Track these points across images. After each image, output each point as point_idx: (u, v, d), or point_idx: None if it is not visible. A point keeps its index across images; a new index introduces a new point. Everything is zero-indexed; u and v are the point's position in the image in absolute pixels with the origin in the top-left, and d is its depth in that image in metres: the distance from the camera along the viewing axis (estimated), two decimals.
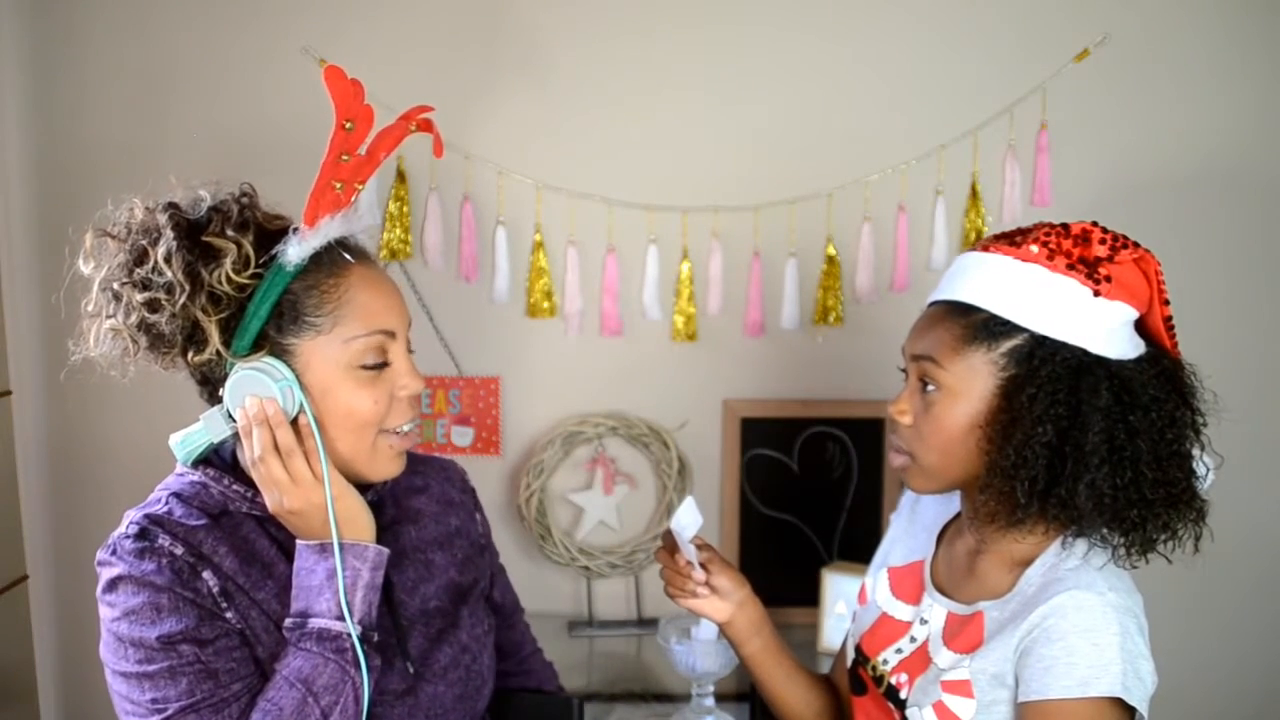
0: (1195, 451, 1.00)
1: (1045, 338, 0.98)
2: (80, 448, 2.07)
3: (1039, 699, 0.94)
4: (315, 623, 0.97)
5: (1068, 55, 1.95)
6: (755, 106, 1.99)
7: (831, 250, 2.02)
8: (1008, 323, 0.99)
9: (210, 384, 1.01)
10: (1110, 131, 1.99)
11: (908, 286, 2.01)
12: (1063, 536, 1.01)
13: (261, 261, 0.97)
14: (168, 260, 0.94)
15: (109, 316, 0.98)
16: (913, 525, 1.21)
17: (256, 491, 1.01)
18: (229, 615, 0.97)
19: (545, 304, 2.02)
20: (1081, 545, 0.99)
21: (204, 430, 1.00)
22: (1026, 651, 0.96)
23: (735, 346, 2.07)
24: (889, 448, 1.11)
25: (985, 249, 1.04)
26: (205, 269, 0.95)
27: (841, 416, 2.08)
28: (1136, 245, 1.00)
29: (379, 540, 1.03)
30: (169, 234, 0.95)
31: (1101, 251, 0.99)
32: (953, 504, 1.16)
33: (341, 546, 0.98)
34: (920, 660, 1.07)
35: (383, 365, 1.01)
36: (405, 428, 1.04)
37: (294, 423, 0.98)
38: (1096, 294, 0.97)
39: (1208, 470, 1.02)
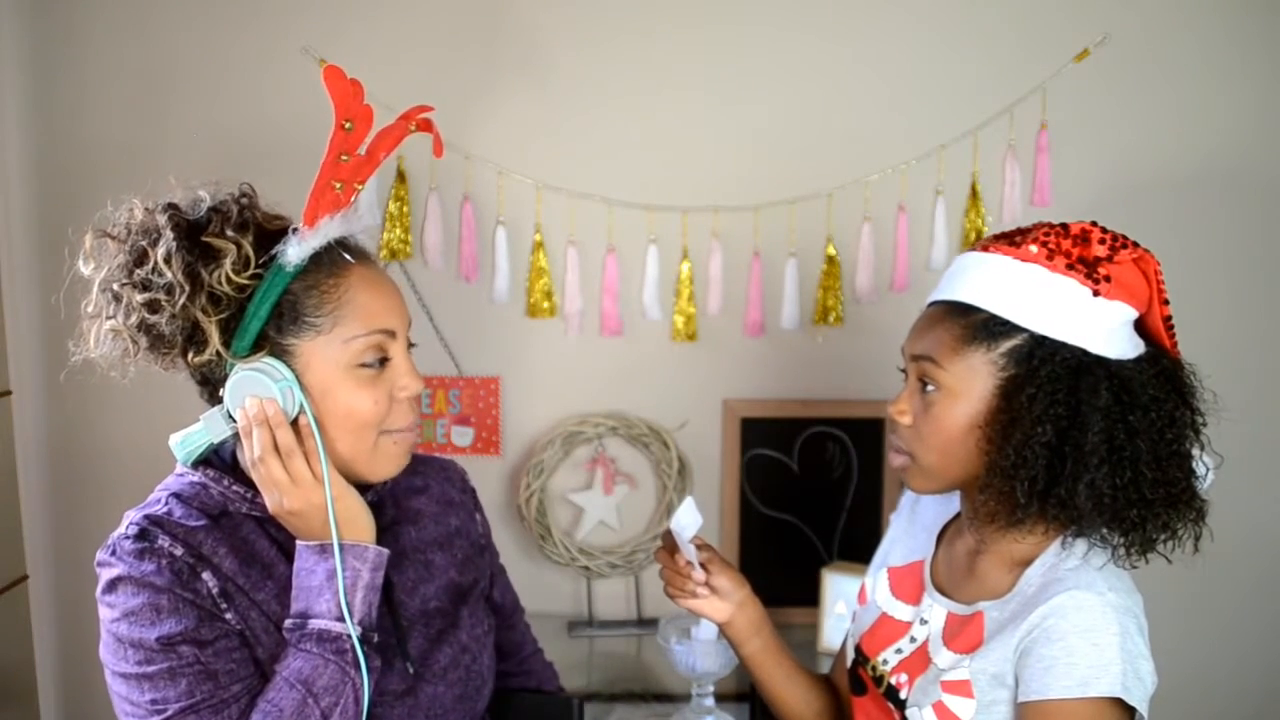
0: (1195, 451, 1.00)
1: (1045, 338, 0.98)
2: (80, 448, 2.07)
3: (1039, 699, 0.94)
4: (315, 623, 0.97)
5: (1068, 55, 1.95)
6: (755, 106, 1.99)
7: (831, 250, 2.02)
8: (1007, 323, 0.99)
9: (210, 384, 1.01)
10: (1110, 131, 1.99)
11: (908, 286, 2.01)
12: (1062, 536, 1.01)
13: (261, 262, 0.96)
14: (167, 261, 0.94)
15: (109, 317, 0.98)
16: (913, 525, 1.21)
17: (256, 492, 1.01)
18: (229, 616, 0.97)
19: (545, 304, 2.02)
20: (1081, 545, 0.99)
21: (204, 431, 1.00)
22: (1026, 651, 0.96)
23: (735, 346, 2.07)
24: (889, 448, 1.11)
25: (985, 249, 1.04)
26: (205, 269, 0.95)
27: (841, 416, 2.08)
28: (1136, 245, 1.00)
29: (379, 541, 1.03)
30: (169, 235, 0.95)
31: (1101, 251, 0.99)
32: (952, 504, 1.16)
33: (341, 547, 0.98)
34: (920, 660, 1.07)
35: (383, 365, 1.01)
36: (405, 428, 1.04)
37: (294, 423, 0.98)
38: (1096, 294, 0.97)
39: (1207, 470, 1.02)
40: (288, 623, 0.98)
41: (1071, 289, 0.98)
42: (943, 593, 1.10)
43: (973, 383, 1.00)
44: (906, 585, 1.15)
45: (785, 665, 1.24)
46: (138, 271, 0.96)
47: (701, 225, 2.01)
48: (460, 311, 2.05)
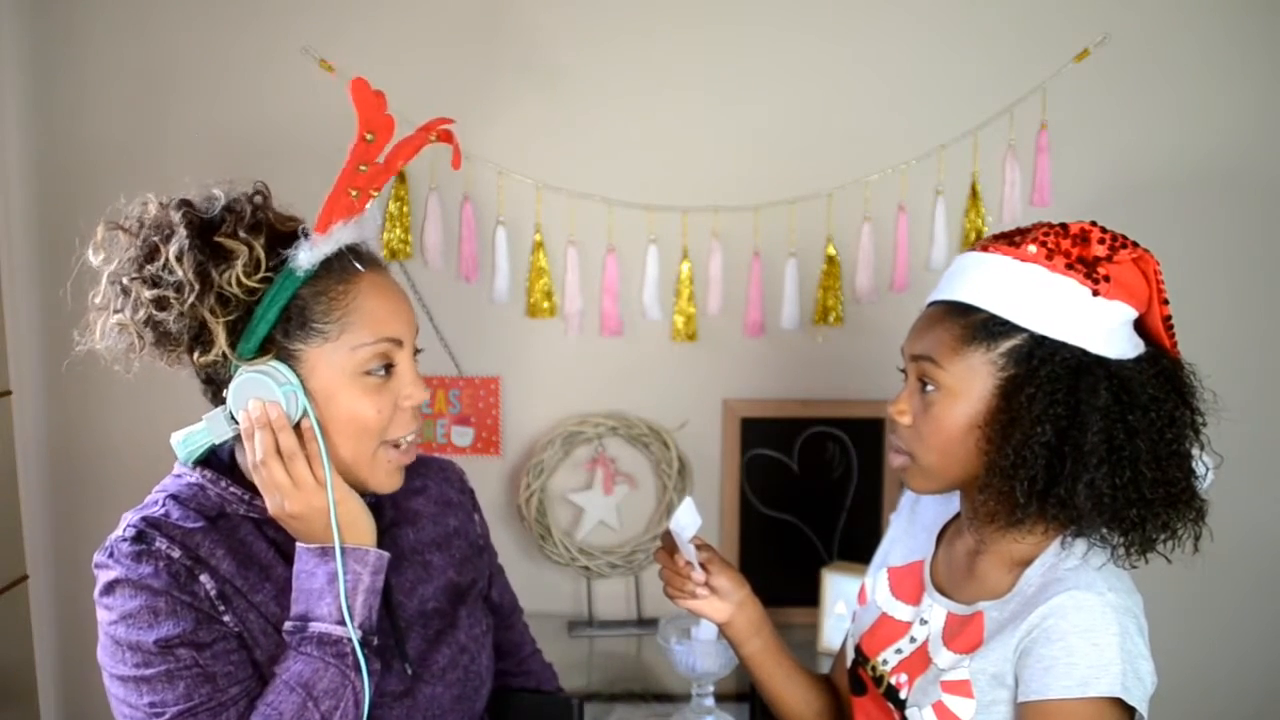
0: (1195, 451, 1.00)
1: (1044, 337, 0.98)
2: (80, 447, 2.07)
3: (1039, 699, 0.94)
4: (316, 627, 0.96)
5: (1068, 55, 1.95)
6: (755, 106, 1.99)
7: (831, 250, 2.02)
8: (1007, 323, 0.99)
9: (214, 384, 1.01)
10: (1110, 131, 1.99)
11: (908, 286, 2.01)
12: (1062, 536, 1.01)
13: (272, 265, 0.96)
14: (179, 259, 0.94)
15: (116, 311, 0.98)
16: (912, 525, 1.21)
17: (255, 494, 1.01)
18: (226, 618, 0.97)
19: (545, 304, 2.02)
20: (1081, 545, 0.99)
21: (206, 431, 1.00)
22: (1026, 651, 0.96)
23: (735, 346, 2.07)
24: (889, 448, 1.11)
25: (984, 249, 1.04)
26: (216, 270, 0.94)
27: (841, 416, 2.08)
28: (1135, 245, 1.00)
29: (378, 543, 1.03)
30: (182, 232, 0.95)
31: (1100, 251, 0.99)
32: (952, 504, 1.16)
33: (343, 550, 0.98)
34: (920, 660, 1.07)
35: (388, 372, 1.01)
36: (407, 438, 1.04)
37: (296, 427, 0.98)
38: (1095, 294, 0.97)
39: (1207, 470, 1.02)
40: (288, 625, 0.98)
41: (1071, 289, 0.98)
42: (943, 593, 1.10)
43: (972, 383, 1.00)
44: (906, 585, 1.15)
45: (785, 665, 1.24)
46: (148, 267, 0.96)
47: (701, 225, 2.01)
48: (460, 311, 2.05)
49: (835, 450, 2.09)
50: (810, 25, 1.97)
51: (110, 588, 0.95)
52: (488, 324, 2.05)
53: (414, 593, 1.10)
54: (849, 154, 2.00)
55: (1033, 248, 1.00)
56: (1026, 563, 1.02)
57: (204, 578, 0.96)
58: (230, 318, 0.95)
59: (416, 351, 1.06)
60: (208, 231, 0.96)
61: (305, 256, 0.97)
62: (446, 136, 1.05)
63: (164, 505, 1.00)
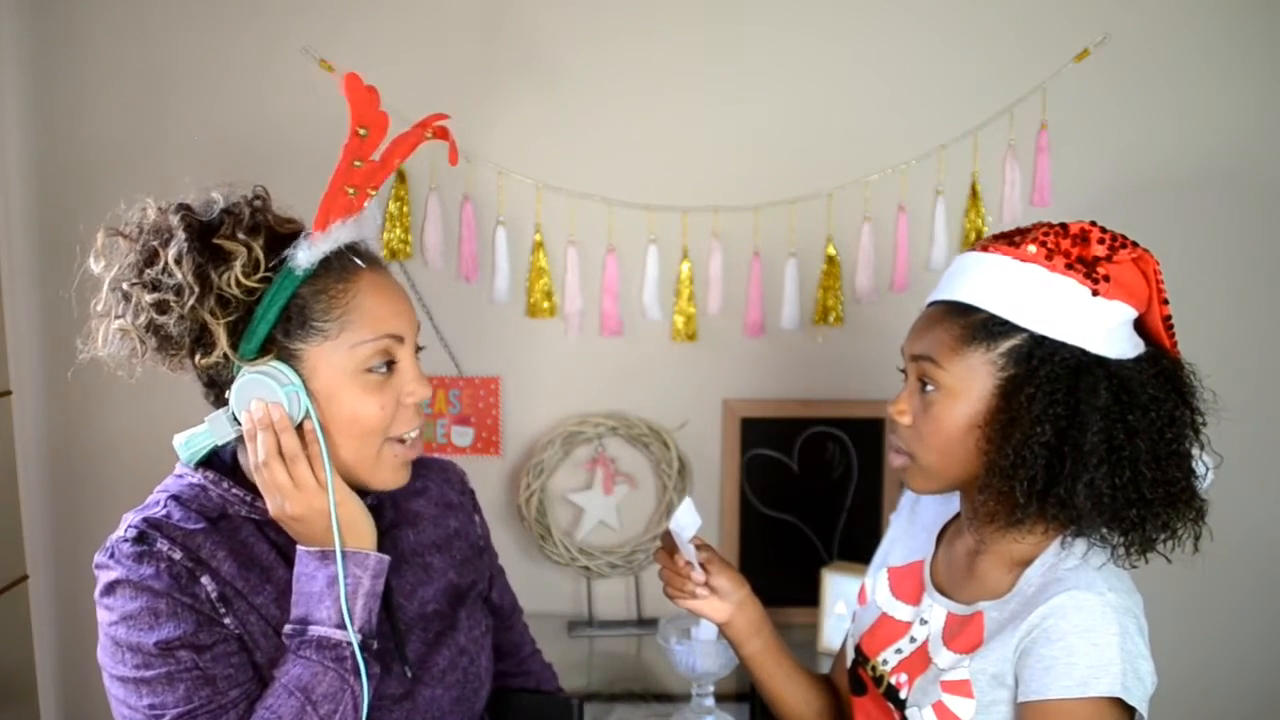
0: (1195, 451, 1.00)
1: (1044, 337, 0.98)
2: (80, 448, 2.07)
3: (1038, 699, 0.94)
4: (315, 630, 0.96)
5: (1068, 55, 1.95)
6: (755, 106, 1.99)
7: (831, 250, 2.02)
8: (1006, 323, 0.99)
9: (216, 386, 1.01)
10: (1110, 131, 1.99)
11: (908, 286, 2.01)
12: (1062, 536, 1.01)
13: (271, 265, 0.96)
14: (178, 262, 0.94)
15: (118, 317, 0.98)
16: (912, 525, 1.21)
17: (256, 495, 1.01)
18: (227, 621, 0.97)
19: (545, 304, 2.02)
20: (1081, 545, 0.99)
21: (208, 432, 1.00)
22: (1026, 651, 0.96)
23: (735, 346, 2.07)
24: (889, 448, 1.11)
25: (984, 249, 1.04)
26: (215, 271, 0.94)
27: (841, 416, 2.08)
28: (1135, 245, 1.00)
29: (378, 545, 1.02)
30: (180, 235, 0.95)
31: (1100, 251, 0.99)
32: (952, 504, 1.16)
33: (343, 554, 0.98)
34: (920, 660, 1.07)
35: (390, 370, 1.01)
36: (411, 434, 1.04)
37: (299, 428, 0.98)
38: (1095, 293, 0.97)
39: (1207, 470, 1.02)
40: (287, 628, 0.97)
41: (1071, 289, 0.98)
42: (943, 593, 1.10)
43: (972, 383, 1.00)
44: (906, 585, 1.15)
45: (785, 665, 1.24)
46: (148, 271, 0.96)
47: (701, 225, 2.01)
48: (460, 311, 2.05)
49: (835, 450, 2.09)
50: (810, 25, 1.97)
51: (111, 588, 0.95)
52: (488, 324, 2.05)
53: (414, 595, 1.10)
54: (849, 154, 2.00)
55: (1032, 248, 1.00)
56: (1026, 563, 1.02)
57: (205, 579, 0.96)
58: (231, 319, 0.95)
59: (418, 349, 1.06)
60: (206, 234, 0.96)
61: (304, 255, 0.97)
62: (442, 133, 1.05)
63: (165, 506, 1.00)
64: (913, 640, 1.10)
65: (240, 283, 0.95)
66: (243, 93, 1.98)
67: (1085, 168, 2.00)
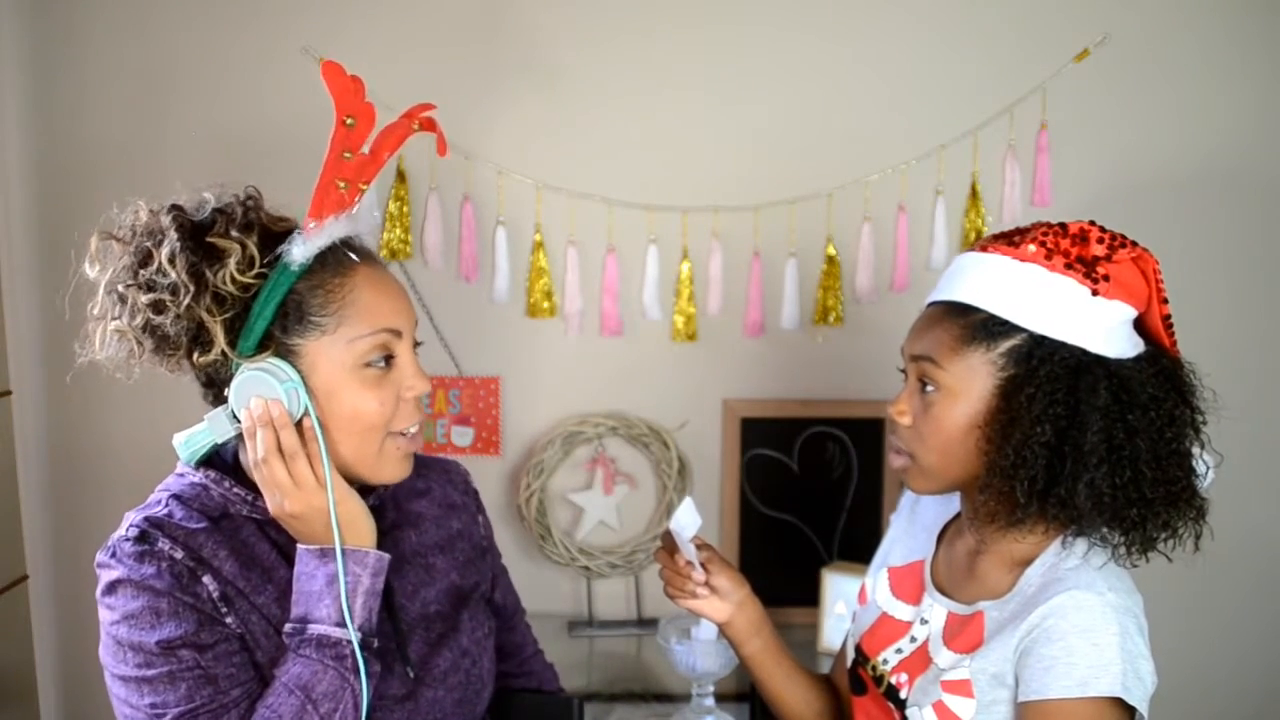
0: (1195, 450, 1.00)
1: (1044, 337, 0.98)
2: (81, 448, 2.07)
3: (1039, 699, 0.94)
4: (315, 629, 0.96)
5: (1068, 55, 1.95)
6: (755, 106, 1.99)
7: (831, 250, 2.02)
8: (1006, 323, 0.99)
9: (215, 385, 1.01)
10: (1110, 131, 1.99)
11: (908, 286, 2.01)
12: (1063, 536, 1.01)
13: (266, 261, 0.96)
14: (171, 261, 0.94)
15: (114, 319, 0.98)
16: (913, 525, 1.21)
17: (257, 494, 1.01)
18: (228, 620, 0.97)
19: (545, 304, 2.02)
20: (1081, 545, 0.99)
21: (208, 431, 1.00)
22: (1026, 651, 0.96)
23: (735, 346, 2.07)
24: (889, 448, 1.11)
25: (983, 249, 1.04)
26: (209, 269, 0.95)
27: (841, 416, 2.08)
28: (1134, 244, 1.00)
29: (379, 545, 1.02)
30: (173, 235, 0.95)
31: (1099, 250, 0.99)
32: (953, 504, 1.16)
33: (343, 552, 0.98)
34: (920, 660, 1.07)
35: (388, 365, 1.01)
36: (411, 429, 1.04)
37: (298, 425, 0.98)
38: (1095, 293, 0.97)
39: (1208, 468, 1.02)
40: (287, 627, 0.97)
41: (1070, 288, 0.98)
42: (943, 592, 1.10)
43: (972, 383, 1.00)
44: (907, 585, 1.15)
45: (785, 665, 1.24)
46: (142, 272, 0.96)
47: (701, 225, 2.01)
48: (460, 311, 2.05)
49: (835, 450, 2.09)
50: (810, 25, 1.97)
51: (112, 588, 0.95)
52: (488, 324, 2.05)
53: (416, 595, 1.10)
54: (849, 154, 2.00)
55: (1032, 247, 1.00)
56: (1027, 562, 1.02)
57: (206, 579, 0.96)
58: (227, 316, 0.96)
59: (416, 345, 1.06)
60: (199, 233, 0.96)
61: (299, 250, 0.97)
62: (429, 124, 1.05)
63: (167, 505, 1.00)
64: (913, 640, 1.10)
65: (236, 279, 0.95)
66: (243, 93, 1.98)
67: (1085, 168, 2.00)
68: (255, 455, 0.97)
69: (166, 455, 1.02)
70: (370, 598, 0.99)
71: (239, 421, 0.98)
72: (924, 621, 1.10)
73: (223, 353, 0.96)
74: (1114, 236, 1.00)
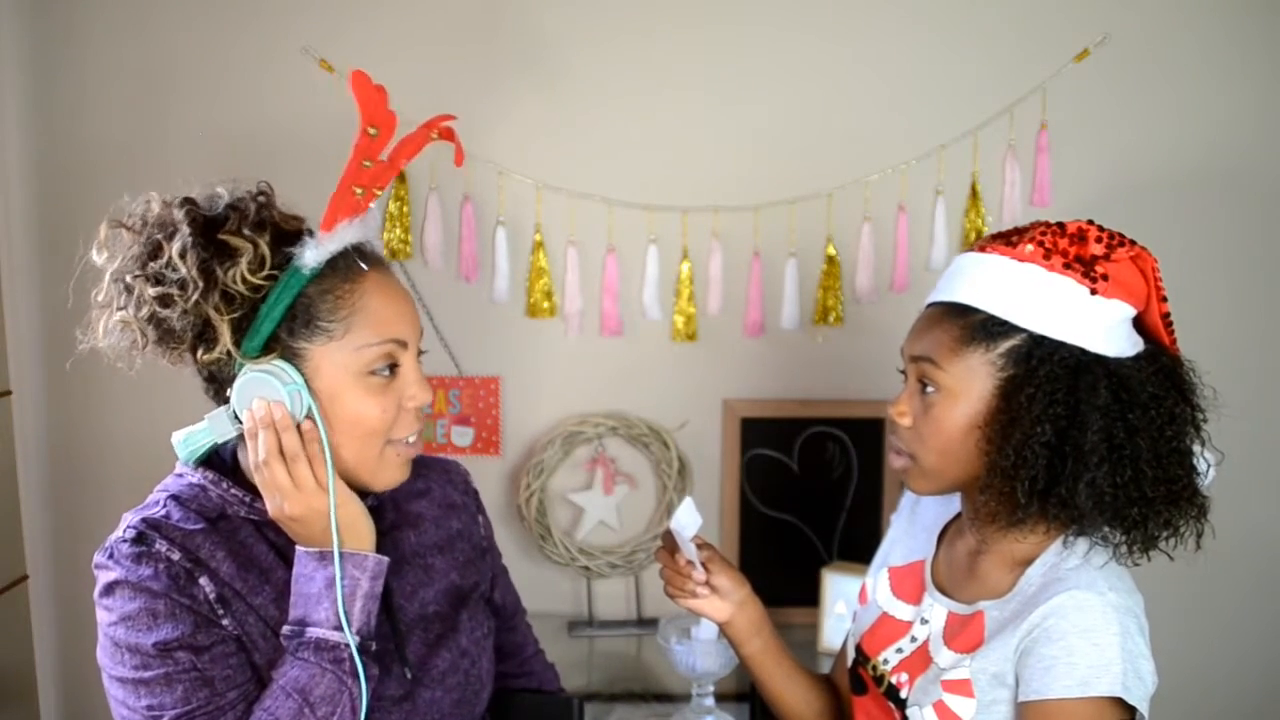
0: (1196, 448, 1.00)
1: (1043, 337, 0.98)
2: (81, 447, 2.07)
3: (1039, 699, 0.94)
4: (313, 632, 0.96)
5: (1068, 55, 1.95)
6: (755, 106, 1.99)
7: (831, 250, 2.02)
8: (1005, 323, 0.99)
9: (217, 383, 1.01)
10: (1110, 131, 1.99)
11: (908, 286, 2.01)
12: (1063, 536, 1.01)
13: (276, 263, 0.96)
14: (182, 256, 0.94)
15: (119, 308, 0.97)
16: (913, 525, 1.21)
17: (256, 496, 1.01)
18: (225, 622, 0.96)
19: (545, 304, 2.02)
20: (1082, 544, 0.99)
21: (208, 430, 1.00)
22: (1027, 651, 0.96)
23: (735, 346, 2.07)
24: (889, 449, 1.11)
25: (982, 249, 1.04)
26: (220, 267, 0.94)
27: (841, 416, 2.08)
28: (1133, 243, 1.00)
29: (378, 546, 1.02)
30: (185, 230, 0.95)
31: (1098, 250, 0.99)
32: (953, 504, 1.16)
33: (341, 555, 0.97)
34: (921, 660, 1.07)
35: (392, 373, 1.01)
36: (411, 438, 1.04)
37: (299, 427, 0.98)
38: (1094, 292, 0.97)
39: (1209, 466, 1.02)
40: (285, 630, 0.97)
41: (1069, 288, 0.98)
42: (943, 592, 1.10)
43: (972, 383, 1.00)
44: (907, 585, 1.15)
45: (785, 665, 1.24)
46: (151, 264, 0.95)
47: (701, 225, 2.01)
48: (460, 311, 2.05)
49: (835, 450, 2.09)
50: (810, 25, 1.97)
51: (110, 589, 0.95)
52: (488, 324, 2.05)
53: (415, 596, 1.10)
54: (849, 154, 2.00)
55: (1030, 247, 1.00)
56: (1027, 562, 1.02)
57: (204, 580, 0.96)
58: (235, 315, 0.95)
59: (420, 353, 1.05)
60: (211, 229, 0.96)
61: (312, 254, 0.96)
62: (448, 134, 1.05)
63: (165, 506, 0.99)
64: (913, 640, 1.10)
65: (246, 279, 0.94)
66: (243, 93, 1.98)
67: (1085, 168, 2.00)
68: (256, 457, 0.97)
69: (166, 455, 1.02)
70: (369, 601, 0.99)
71: (240, 422, 0.98)
72: (924, 621, 1.10)
73: (227, 351, 0.96)
74: (1112, 235, 1.00)
